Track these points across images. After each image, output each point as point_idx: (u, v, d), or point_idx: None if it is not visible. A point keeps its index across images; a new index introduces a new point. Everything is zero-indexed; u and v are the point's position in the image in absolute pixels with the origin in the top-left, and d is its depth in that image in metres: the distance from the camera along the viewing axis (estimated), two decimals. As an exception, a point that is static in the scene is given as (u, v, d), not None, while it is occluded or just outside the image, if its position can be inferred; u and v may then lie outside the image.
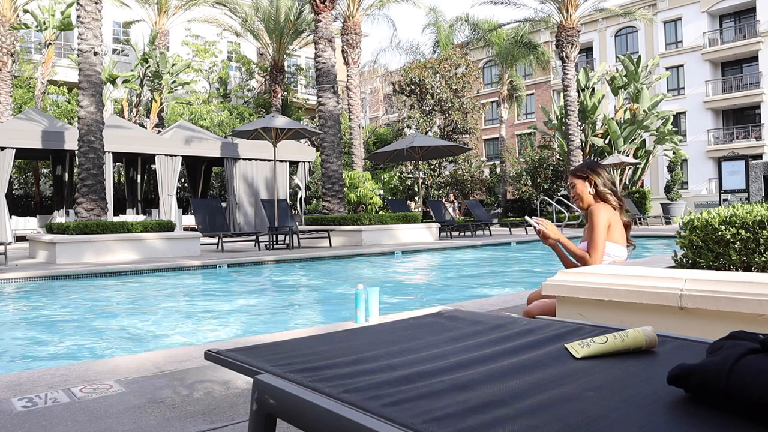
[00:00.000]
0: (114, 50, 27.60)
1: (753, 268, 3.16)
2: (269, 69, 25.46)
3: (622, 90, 23.05)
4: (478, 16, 27.53)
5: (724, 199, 12.78)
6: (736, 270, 3.20)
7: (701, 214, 3.43)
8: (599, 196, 3.22)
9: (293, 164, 18.99)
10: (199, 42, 28.25)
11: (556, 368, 1.15)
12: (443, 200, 22.86)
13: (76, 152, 11.01)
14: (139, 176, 18.94)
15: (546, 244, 3.27)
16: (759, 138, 32.07)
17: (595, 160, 3.56)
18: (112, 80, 20.37)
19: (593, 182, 3.22)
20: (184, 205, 20.84)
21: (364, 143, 25.30)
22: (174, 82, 22.50)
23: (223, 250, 11.27)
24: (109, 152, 14.10)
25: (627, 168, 22.35)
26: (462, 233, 16.17)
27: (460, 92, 23.97)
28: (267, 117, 13.23)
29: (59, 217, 16.28)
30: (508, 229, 17.53)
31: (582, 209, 3.30)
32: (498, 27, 26.51)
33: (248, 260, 8.97)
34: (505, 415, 0.91)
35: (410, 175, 23.79)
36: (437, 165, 23.99)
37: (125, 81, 20.84)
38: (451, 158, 23.27)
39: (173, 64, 22.20)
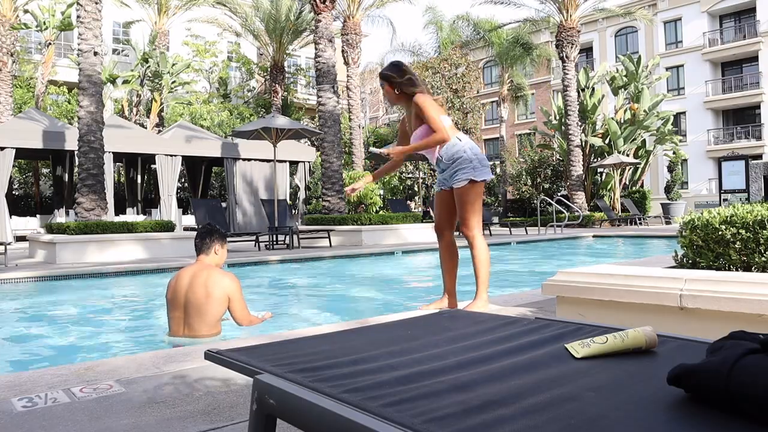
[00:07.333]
0: (114, 50, 27.58)
1: (753, 268, 3.16)
2: (269, 69, 25.46)
3: (622, 90, 23.03)
4: (478, 16, 27.53)
5: (724, 199, 12.78)
6: (736, 270, 3.20)
7: (702, 213, 3.43)
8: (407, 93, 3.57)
9: (293, 164, 18.99)
10: (200, 42, 28.25)
11: (556, 368, 1.15)
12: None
13: (76, 152, 11.01)
14: (139, 176, 18.93)
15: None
16: (759, 138, 32.07)
17: (399, 63, 3.30)
18: (112, 80, 20.36)
19: (396, 87, 3.58)
20: (184, 205, 20.83)
21: (364, 143, 25.29)
22: (174, 82, 22.50)
23: (223, 250, 11.25)
24: (109, 152, 14.09)
25: (627, 168, 22.35)
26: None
27: (461, 92, 23.96)
28: (267, 117, 13.21)
29: (59, 217, 16.27)
30: (508, 229, 17.53)
31: (392, 103, 3.78)
32: (498, 27, 26.50)
33: (248, 260, 8.96)
34: (505, 415, 0.91)
35: (410, 175, 23.79)
36: (437, 165, 23.96)
37: (125, 81, 20.83)
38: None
39: (173, 64, 22.20)
